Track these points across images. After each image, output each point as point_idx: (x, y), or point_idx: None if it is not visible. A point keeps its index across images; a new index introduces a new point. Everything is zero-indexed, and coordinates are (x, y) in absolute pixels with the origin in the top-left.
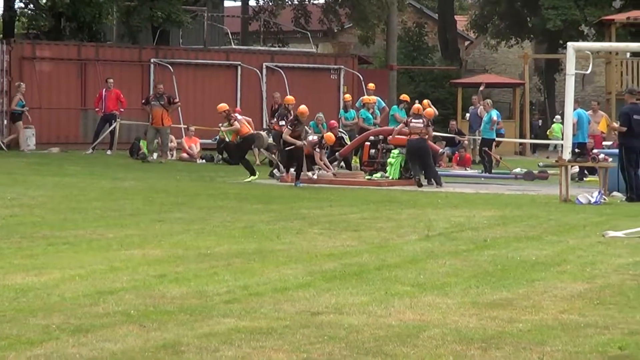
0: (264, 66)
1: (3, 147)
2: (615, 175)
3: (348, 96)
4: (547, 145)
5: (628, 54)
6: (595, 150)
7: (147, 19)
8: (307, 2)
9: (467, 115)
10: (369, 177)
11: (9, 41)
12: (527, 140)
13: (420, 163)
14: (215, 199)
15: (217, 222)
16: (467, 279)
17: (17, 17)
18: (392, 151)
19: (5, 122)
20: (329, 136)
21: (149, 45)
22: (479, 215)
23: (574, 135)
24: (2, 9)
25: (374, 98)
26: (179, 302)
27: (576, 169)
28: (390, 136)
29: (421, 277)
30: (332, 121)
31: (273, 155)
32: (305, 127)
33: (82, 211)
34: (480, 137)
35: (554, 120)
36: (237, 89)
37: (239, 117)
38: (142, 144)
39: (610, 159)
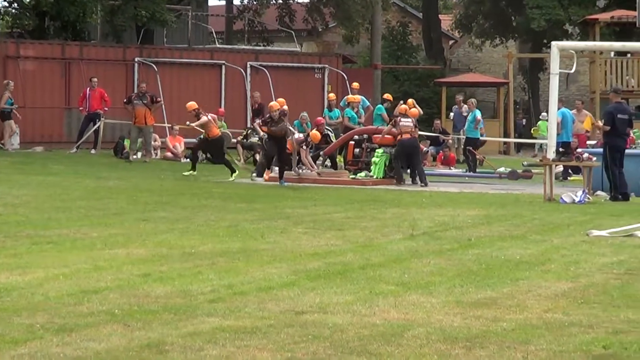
0: (248, 65)
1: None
2: (599, 175)
3: (332, 95)
4: (532, 145)
5: (612, 53)
6: (579, 150)
7: (131, 18)
8: (291, 1)
9: (451, 114)
10: (353, 176)
11: None
12: (511, 140)
13: (409, 162)
14: (199, 198)
15: (201, 221)
16: (451, 278)
17: (1, 16)
18: (377, 150)
19: None
20: (315, 134)
21: (133, 44)
22: (463, 215)
23: (558, 134)
24: None
25: (358, 97)
26: (163, 301)
27: (560, 168)
28: (376, 135)
29: (405, 276)
30: (319, 118)
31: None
32: (290, 127)
33: (66, 210)
34: (464, 137)
35: (540, 117)
36: (222, 88)
37: (208, 117)
38: (126, 143)
39: (595, 158)
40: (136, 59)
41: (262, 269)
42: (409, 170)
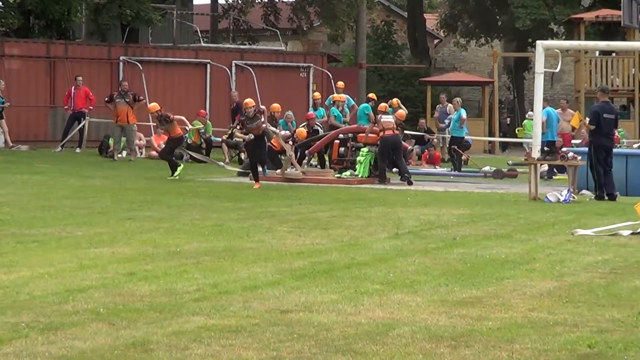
0: (234, 64)
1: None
2: (584, 174)
3: (317, 94)
4: (519, 144)
5: (597, 53)
6: (564, 149)
7: (116, 16)
8: (276, 0)
9: (436, 113)
10: (338, 175)
11: None
12: (496, 139)
13: (393, 158)
14: (184, 197)
15: (186, 220)
16: (436, 277)
17: None
18: (362, 149)
19: None
20: (300, 131)
21: (118, 43)
22: (449, 214)
23: (543, 133)
24: None
25: (343, 96)
26: (149, 300)
27: (545, 167)
28: (361, 134)
29: (391, 275)
30: (310, 112)
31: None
32: (268, 125)
33: (51, 209)
34: (449, 136)
35: (527, 117)
36: (207, 87)
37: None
38: (111, 141)
39: (580, 157)
40: (121, 58)
41: (247, 268)
42: (395, 170)
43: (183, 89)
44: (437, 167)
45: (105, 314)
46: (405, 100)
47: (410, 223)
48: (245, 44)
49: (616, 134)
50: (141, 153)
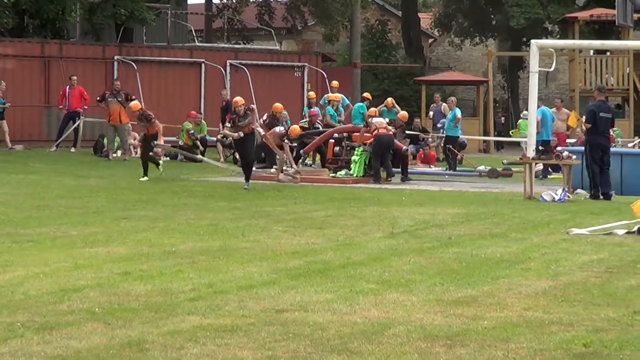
0: (228, 63)
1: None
2: (579, 173)
3: (312, 94)
4: (515, 143)
5: (591, 52)
6: (559, 148)
7: (111, 16)
8: (271, 0)
9: (431, 112)
10: (333, 174)
11: None
12: (491, 138)
13: (385, 157)
14: (179, 196)
15: (181, 220)
16: (431, 277)
17: None
18: (356, 149)
19: None
20: (294, 128)
21: (113, 42)
22: (444, 213)
23: (538, 132)
24: None
25: (338, 95)
26: (144, 299)
27: (540, 166)
28: (356, 134)
29: (386, 274)
30: (313, 110)
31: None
32: (258, 124)
33: (46, 209)
34: (444, 135)
35: (521, 116)
36: (201, 87)
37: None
38: (106, 141)
39: (574, 157)
40: (116, 57)
41: (242, 268)
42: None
43: (178, 88)
44: (431, 166)
45: (100, 313)
46: (400, 100)
47: (406, 222)
48: (239, 44)
49: (611, 132)
50: (136, 152)
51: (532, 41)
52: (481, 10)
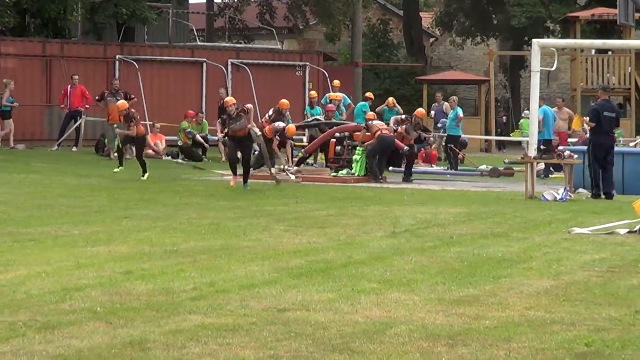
0: (229, 63)
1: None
2: (580, 172)
3: (314, 93)
4: (516, 142)
5: (593, 51)
6: (560, 147)
7: (112, 15)
8: None
9: (432, 112)
10: (334, 174)
11: None
12: (493, 137)
13: (382, 157)
14: (181, 195)
15: (183, 219)
16: (433, 276)
17: None
18: (358, 148)
19: None
20: (290, 127)
21: (114, 42)
22: (445, 212)
23: (539, 132)
24: None
25: (340, 95)
26: (145, 298)
27: (542, 165)
28: (357, 133)
29: (387, 273)
30: (330, 105)
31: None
32: (254, 126)
33: (47, 208)
34: (445, 134)
35: (522, 115)
36: (203, 86)
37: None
38: (107, 140)
39: (576, 156)
40: (117, 57)
41: (244, 267)
42: (390, 168)
43: (179, 87)
44: (433, 165)
45: (102, 312)
46: (401, 99)
47: (407, 221)
48: (241, 43)
49: None
50: None
51: (534, 40)
52: (482, 10)
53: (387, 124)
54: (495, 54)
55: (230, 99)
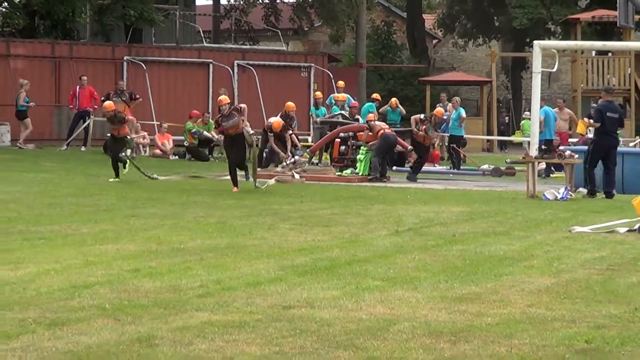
0: (235, 64)
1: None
2: (581, 172)
3: (319, 94)
4: (512, 142)
5: (593, 53)
6: (561, 147)
7: (120, 17)
8: (277, 1)
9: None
10: (339, 173)
11: None
12: (494, 137)
13: (384, 157)
14: (188, 194)
15: (190, 217)
16: (436, 274)
17: None
18: (362, 148)
19: None
20: (277, 122)
21: (122, 43)
22: (448, 211)
23: (541, 132)
24: None
25: (344, 95)
26: (153, 296)
27: (543, 165)
28: (361, 133)
29: (391, 271)
30: (354, 102)
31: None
32: (247, 125)
33: (57, 206)
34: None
35: (523, 116)
36: (209, 87)
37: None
38: None
39: (577, 156)
40: (125, 58)
41: (250, 265)
42: (394, 168)
43: (186, 88)
44: (436, 165)
45: (110, 309)
46: (405, 100)
47: (410, 220)
48: (246, 44)
49: None
50: (145, 152)
51: (535, 42)
52: (484, 12)
53: (391, 125)
54: (497, 56)
55: (224, 98)
